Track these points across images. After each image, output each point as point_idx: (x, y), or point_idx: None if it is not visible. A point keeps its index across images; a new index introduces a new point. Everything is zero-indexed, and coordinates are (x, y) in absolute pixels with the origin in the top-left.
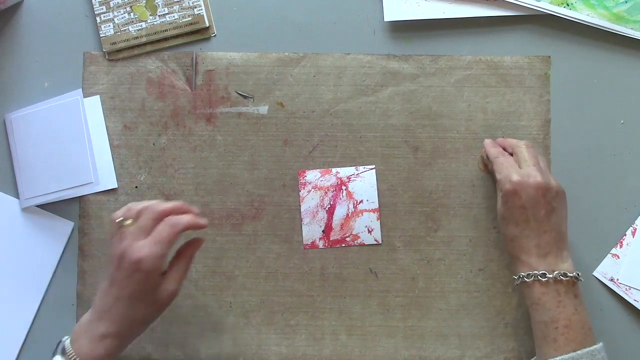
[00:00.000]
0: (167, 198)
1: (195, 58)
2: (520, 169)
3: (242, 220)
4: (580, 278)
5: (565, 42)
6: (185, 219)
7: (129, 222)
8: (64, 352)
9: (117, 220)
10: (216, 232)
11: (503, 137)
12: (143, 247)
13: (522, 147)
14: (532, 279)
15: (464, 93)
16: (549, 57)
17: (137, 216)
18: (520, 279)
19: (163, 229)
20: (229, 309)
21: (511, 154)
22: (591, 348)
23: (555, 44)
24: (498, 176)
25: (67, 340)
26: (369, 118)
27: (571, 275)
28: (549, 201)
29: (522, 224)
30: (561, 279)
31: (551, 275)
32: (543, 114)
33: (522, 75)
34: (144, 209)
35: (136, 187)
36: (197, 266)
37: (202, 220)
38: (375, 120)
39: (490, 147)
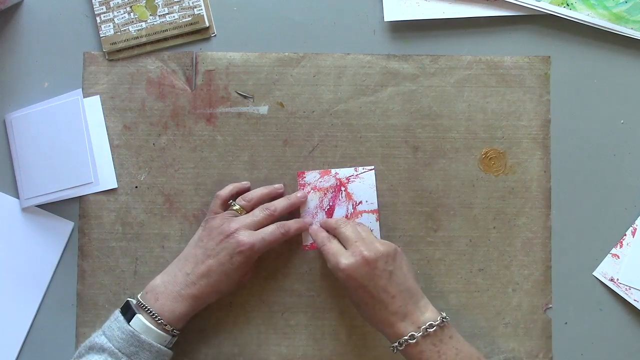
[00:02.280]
0: (167, 198)
1: (195, 58)
2: (346, 250)
3: None
4: (446, 319)
5: (565, 42)
6: (295, 226)
7: (237, 207)
8: (143, 309)
9: (229, 202)
10: None
11: (504, 142)
12: (252, 237)
13: (341, 227)
14: (404, 345)
15: (464, 93)
16: (549, 57)
17: (249, 207)
18: (395, 349)
19: (275, 232)
20: (229, 309)
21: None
22: None
23: (555, 44)
24: (329, 265)
25: (138, 300)
26: (369, 118)
27: (437, 322)
28: (383, 269)
29: (370, 300)
30: (430, 332)
31: (419, 334)
32: (543, 114)
33: (522, 75)
34: (260, 202)
35: (136, 187)
36: None
37: (309, 223)
38: (375, 120)
39: (315, 235)
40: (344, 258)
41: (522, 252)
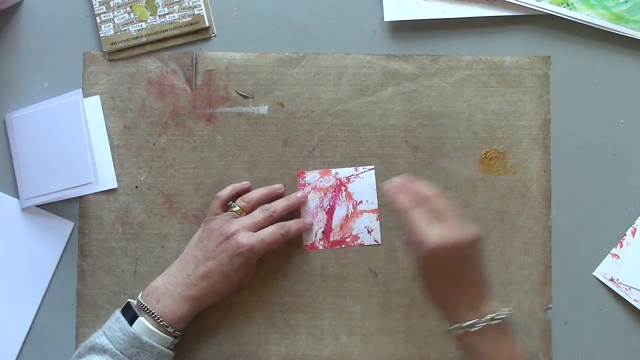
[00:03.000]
0: (167, 198)
1: (195, 58)
2: (439, 224)
3: None
4: (510, 316)
5: (565, 42)
6: (295, 227)
7: (236, 208)
8: (145, 311)
9: (229, 203)
10: None
11: (504, 142)
12: (252, 238)
13: (437, 199)
14: (463, 331)
15: (464, 93)
16: (549, 57)
17: (249, 208)
18: (452, 332)
19: (274, 233)
20: (229, 309)
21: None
22: None
23: (555, 44)
24: (411, 236)
25: (139, 301)
26: (369, 118)
27: (500, 317)
28: (472, 253)
29: (446, 280)
30: (490, 325)
31: (481, 324)
32: (543, 114)
33: (522, 75)
34: (259, 203)
35: (136, 187)
36: None
37: (309, 223)
38: (375, 120)
39: (397, 196)
40: (436, 233)
41: (522, 252)
